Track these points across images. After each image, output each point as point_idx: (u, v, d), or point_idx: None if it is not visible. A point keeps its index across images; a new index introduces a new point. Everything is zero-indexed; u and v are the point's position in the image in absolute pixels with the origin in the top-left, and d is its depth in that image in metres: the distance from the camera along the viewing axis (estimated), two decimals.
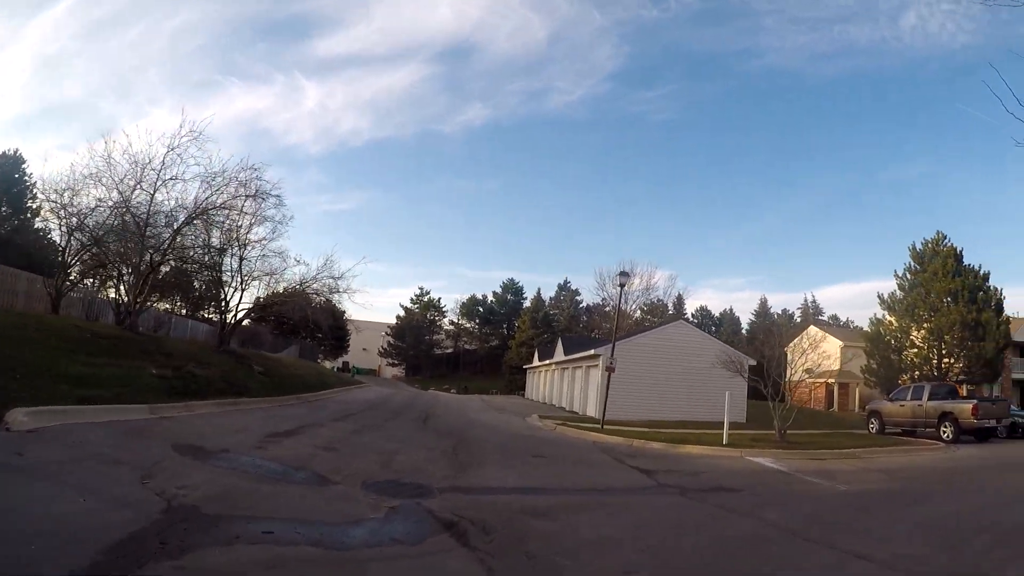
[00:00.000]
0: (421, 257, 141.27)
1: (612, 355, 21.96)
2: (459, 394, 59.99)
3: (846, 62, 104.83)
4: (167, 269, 26.92)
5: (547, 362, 42.08)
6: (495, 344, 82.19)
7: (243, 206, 24.24)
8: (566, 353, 35.68)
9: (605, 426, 20.61)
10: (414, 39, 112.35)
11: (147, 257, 21.75)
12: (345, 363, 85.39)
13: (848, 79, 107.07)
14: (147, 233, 21.67)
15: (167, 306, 39.62)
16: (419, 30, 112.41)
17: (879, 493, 10.70)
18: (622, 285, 22.19)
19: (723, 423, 17.79)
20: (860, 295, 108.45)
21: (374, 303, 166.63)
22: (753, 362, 28.80)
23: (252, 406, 16.91)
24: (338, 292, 30.50)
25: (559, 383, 38.19)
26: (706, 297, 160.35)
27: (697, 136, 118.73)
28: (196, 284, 34.01)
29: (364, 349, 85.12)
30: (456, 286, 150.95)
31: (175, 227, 22.63)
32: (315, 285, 30.11)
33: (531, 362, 53.23)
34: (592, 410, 29.41)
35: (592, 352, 28.86)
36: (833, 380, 46.67)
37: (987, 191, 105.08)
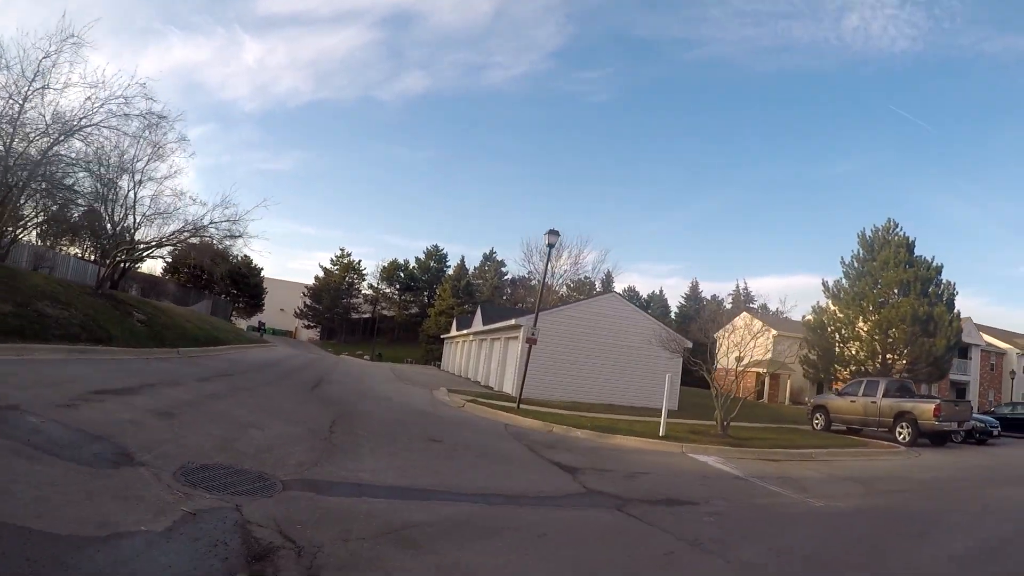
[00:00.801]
0: (350, 222, 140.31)
1: (535, 325, 19.09)
2: (371, 361, 56.30)
3: (787, 58, 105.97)
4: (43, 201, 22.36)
5: (465, 332, 39.05)
6: (414, 312, 78.40)
7: (131, 132, 20.74)
8: (485, 323, 32.70)
9: (522, 406, 17.78)
10: (358, 2, 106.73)
11: (8, 178, 17.68)
12: (261, 323, 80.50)
13: (788, 75, 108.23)
14: (11, 147, 17.76)
15: (75, 250, 34.19)
16: None
17: (871, 514, 8.19)
18: (551, 245, 19.09)
19: (655, 409, 15.36)
20: (789, 287, 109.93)
21: (297, 266, 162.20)
22: (690, 344, 26.93)
23: (108, 356, 14.94)
24: (232, 237, 26.48)
25: (476, 355, 35.25)
26: (635, 280, 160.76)
27: (634, 120, 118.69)
28: (75, 218, 28.88)
29: (281, 310, 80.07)
30: (382, 253, 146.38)
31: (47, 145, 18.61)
32: (211, 229, 26.02)
33: (449, 332, 50.11)
34: (509, 386, 26.62)
35: (513, 322, 25.99)
36: (764, 370, 45.78)
37: (921, 190, 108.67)
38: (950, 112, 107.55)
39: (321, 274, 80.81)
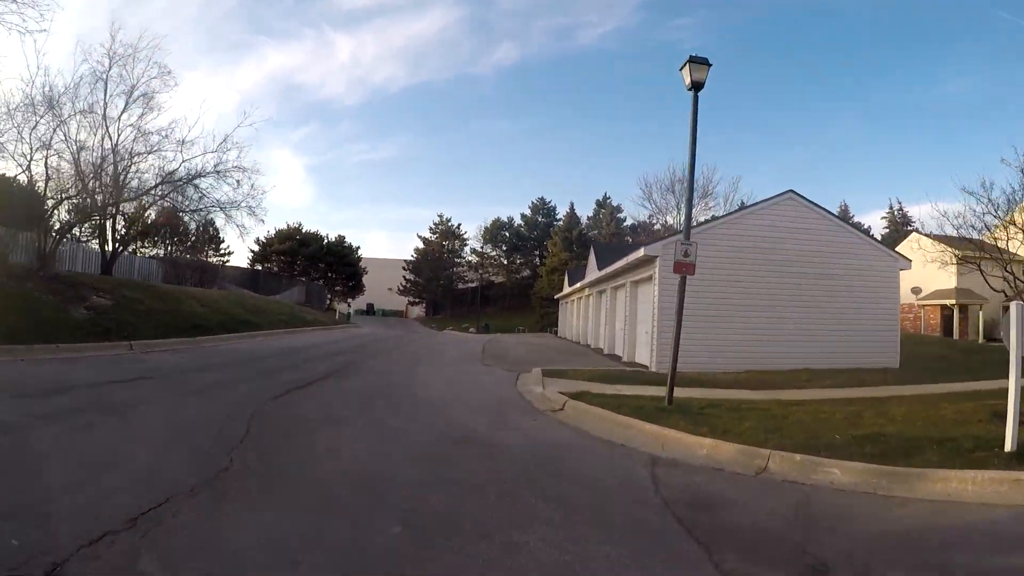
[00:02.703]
0: (454, 198, 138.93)
1: (687, 238, 9.99)
2: (477, 333, 49.01)
3: None
4: None
5: (578, 286, 30.28)
6: (525, 275, 70.49)
7: None
8: (601, 266, 23.82)
9: (675, 395, 8.97)
10: None
11: None
12: (369, 304, 76.63)
13: None
14: None
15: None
16: None
17: None
18: (695, 86, 9.38)
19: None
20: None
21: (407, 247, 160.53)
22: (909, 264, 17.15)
23: None
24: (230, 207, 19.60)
25: (595, 314, 26.46)
26: None
27: (731, 61, 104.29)
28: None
29: (389, 289, 75.15)
30: (486, 215, 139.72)
31: None
32: (203, 179, 19.16)
33: (562, 290, 41.54)
34: (643, 354, 17.71)
35: (642, 253, 16.84)
36: (952, 301, 33.86)
37: None
38: None
39: (420, 245, 74.66)
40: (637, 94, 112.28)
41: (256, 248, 68.59)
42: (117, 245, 21.22)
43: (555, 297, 46.00)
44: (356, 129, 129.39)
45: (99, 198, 18.52)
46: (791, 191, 17.57)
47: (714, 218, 17.15)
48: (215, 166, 20.59)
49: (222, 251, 63.74)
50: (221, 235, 64.51)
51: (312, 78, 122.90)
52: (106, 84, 18.70)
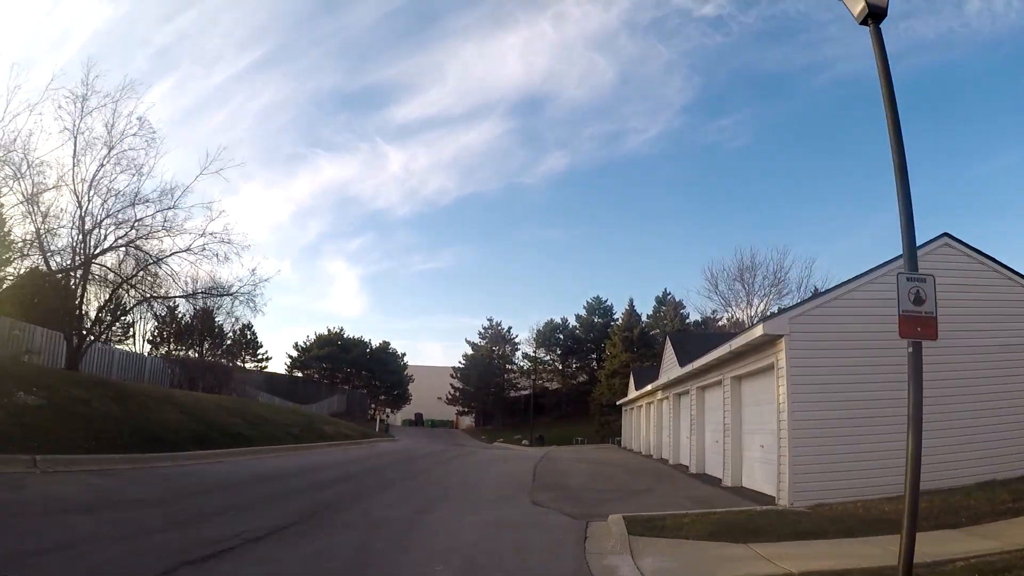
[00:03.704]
0: (507, 306, 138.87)
1: (914, 271, 5.17)
2: (531, 446, 43.33)
3: (916, 58, 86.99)
4: None
5: (648, 388, 24.98)
6: (582, 380, 64.82)
7: None
8: (683, 361, 18.72)
9: (897, 551, 3.79)
10: (488, 96, 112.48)
11: None
12: (418, 415, 72.41)
13: (920, 73, 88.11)
14: None
15: None
16: (491, 87, 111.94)
17: None
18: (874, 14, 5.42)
19: None
20: None
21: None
22: None
23: None
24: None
25: (672, 421, 21.04)
26: None
27: (774, 155, 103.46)
28: None
29: (439, 398, 70.67)
30: (537, 318, 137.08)
31: None
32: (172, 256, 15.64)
33: (626, 394, 36.03)
34: (759, 478, 12.25)
35: (760, 334, 11.61)
36: None
37: None
38: None
39: (469, 351, 70.32)
40: (684, 193, 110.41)
41: (294, 354, 65.54)
42: (86, 333, 17.39)
43: (617, 403, 40.35)
44: (409, 240, 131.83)
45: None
46: (946, 235, 12.53)
47: (839, 285, 11.96)
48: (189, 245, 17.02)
49: (259, 356, 60.96)
50: (259, 340, 62.31)
51: (365, 189, 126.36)
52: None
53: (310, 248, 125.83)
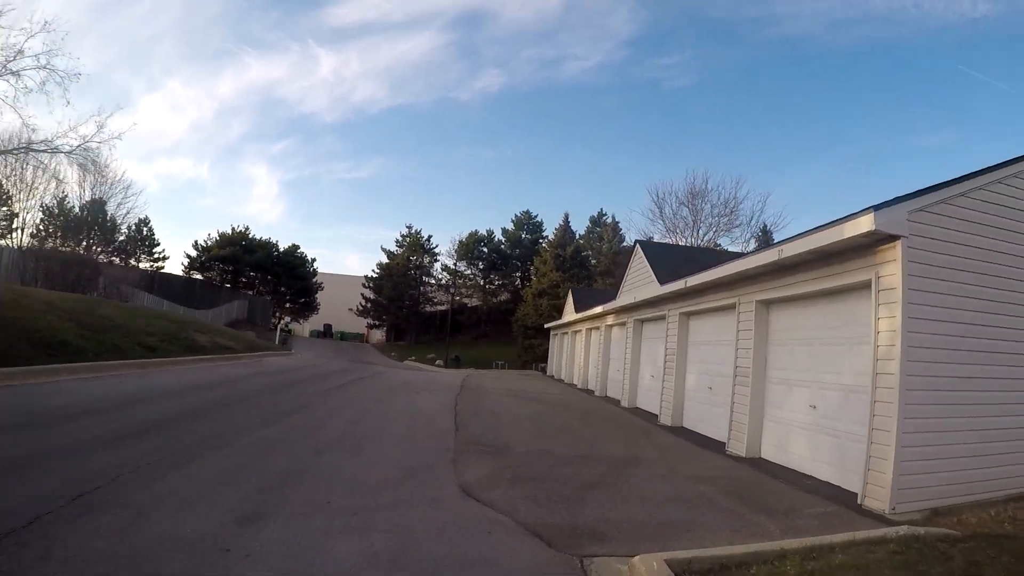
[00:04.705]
0: (429, 217, 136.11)
1: None
2: (446, 367, 38.98)
3: (866, 28, 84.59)
4: None
5: (596, 311, 20.61)
6: (504, 299, 60.62)
7: None
8: (661, 279, 14.18)
9: None
10: (428, 4, 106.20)
11: None
12: (327, 325, 67.25)
13: (867, 45, 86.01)
14: None
15: None
16: None
17: None
18: None
19: None
20: None
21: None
22: None
23: None
24: None
25: (624, 352, 16.80)
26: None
27: (714, 102, 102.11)
28: None
29: (350, 309, 64.92)
30: (461, 228, 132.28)
31: None
32: None
33: (562, 316, 31.86)
34: (799, 449, 7.86)
35: (820, 246, 7.07)
36: None
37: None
38: None
39: (384, 259, 64.38)
40: (625, 124, 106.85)
41: (193, 253, 57.93)
42: None
43: (545, 326, 36.26)
44: (334, 147, 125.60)
45: None
46: None
47: (975, 174, 7.39)
48: None
49: (155, 255, 53.39)
50: (155, 237, 54.45)
51: (293, 92, 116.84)
52: None
53: (230, 149, 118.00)
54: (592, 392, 20.97)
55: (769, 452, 9.17)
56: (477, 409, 13.31)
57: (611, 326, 19.91)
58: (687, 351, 13.07)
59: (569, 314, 27.52)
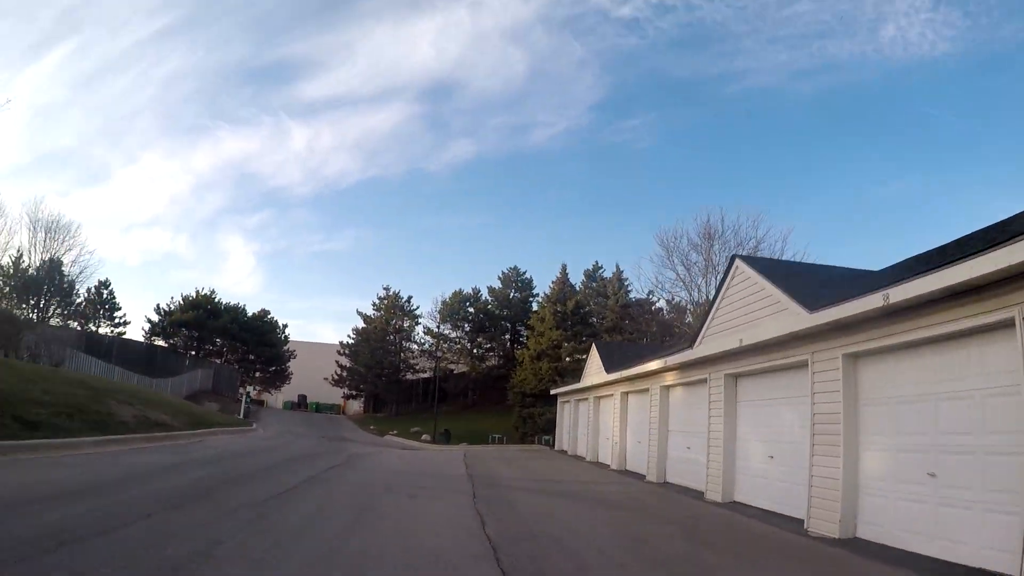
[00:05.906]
0: (407, 283, 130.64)
1: None
2: (432, 443, 33.19)
3: (828, 78, 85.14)
4: None
5: (651, 367, 15.52)
6: (494, 364, 54.99)
7: None
8: (804, 302, 9.26)
9: None
10: (397, 79, 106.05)
11: None
12: (301, 396, 61.80)
13: (828, 93, 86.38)
14: None
15: None
16: (402, 70, 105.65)
17: None
18: None
19: None
20: None
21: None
22: None
23: None
24: None
25: (720, 423, 11.71)
26: None
27: (680, 160, 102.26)
28: None
29: (325, 379, 59.08)
30: (443, 290, 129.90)
31: None
32: None
33: (561, 381, 26.55)
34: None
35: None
36: None
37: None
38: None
39: (361, 324, 58.80)
40: (592, 188, 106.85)
41: (156, 318, 52.14)
42: None
43: (553, 392, 30.87)
44: (308, 219, 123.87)
45: None
46: None
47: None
48: None
49: (116, 320, 47.90)
50: (116, 301, 48.90)
51: (266, 166, 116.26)
52: None
53: (207, 222, 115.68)
54: (642, 476, 15.68)
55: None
56: (520, 531, 7.97)
57: (671, 386, 14.83)
58: (858, 415, 8.05)
59: (595, 375, 22.27)
